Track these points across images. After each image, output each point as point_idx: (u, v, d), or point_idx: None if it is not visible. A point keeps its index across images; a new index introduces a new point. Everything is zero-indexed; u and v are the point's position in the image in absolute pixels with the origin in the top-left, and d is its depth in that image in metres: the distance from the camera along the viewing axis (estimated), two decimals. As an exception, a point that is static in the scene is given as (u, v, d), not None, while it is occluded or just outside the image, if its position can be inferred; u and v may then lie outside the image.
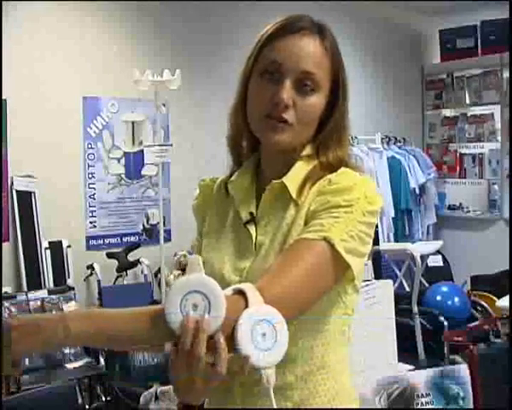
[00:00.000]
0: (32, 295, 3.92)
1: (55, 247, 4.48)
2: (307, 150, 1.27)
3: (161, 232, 4.28)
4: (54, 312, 3.93)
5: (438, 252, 5.44)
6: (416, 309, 4.08)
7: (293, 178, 1.25)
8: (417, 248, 4.58)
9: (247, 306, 1.02)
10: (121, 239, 4.96)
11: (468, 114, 6.64)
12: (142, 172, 5.03)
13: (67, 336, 1.01)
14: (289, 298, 1.09)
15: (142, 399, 3.06)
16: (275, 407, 1.07)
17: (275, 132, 1.21)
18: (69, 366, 3.55)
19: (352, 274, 1.18)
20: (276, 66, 1.22)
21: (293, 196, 1.23)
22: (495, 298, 4.49)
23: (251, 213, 1.28)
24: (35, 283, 4.27)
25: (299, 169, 1.26)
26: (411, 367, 2.66)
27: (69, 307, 4.01)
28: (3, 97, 4.13)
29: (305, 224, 1.19)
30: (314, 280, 1.13)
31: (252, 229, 1.26)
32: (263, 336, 1.01)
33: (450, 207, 6.76)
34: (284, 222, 1.23)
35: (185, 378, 0.99)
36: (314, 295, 1.14)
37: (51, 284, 4.34)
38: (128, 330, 1.04)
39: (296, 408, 1.20)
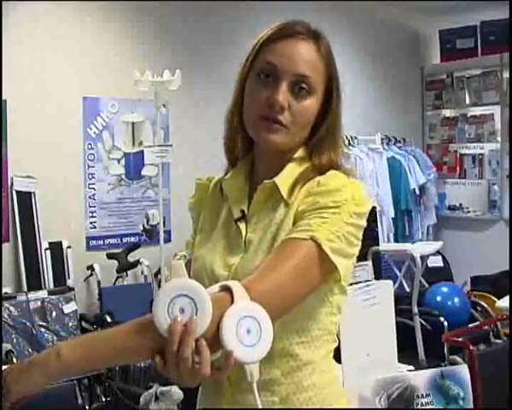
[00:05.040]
0: (32, 295, 3.92)
1: (55, 247, 4.48)
2: (300, 153, 1.30)
3: (161, 233, 4.28)
4: (54, 312, 3.94)
5: (438, 252, 5.44)
6: (416, 310, 4.09)
7: (285, 179, 1.27)
8: (417, 249, 4.58)
9: (232, 303, 1.05)
10: (121, 240, 4.96)
11: (468, 115, 6.65)
12: (142, 173, 5.03)
13: (60, 362, 1.04)
14: (275, 296, 1.11)
15: (141, 399, 3.05)
16: (258, 401, 1.10)
17: (269, 132, 1.24)
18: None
19: (338, 274, 1.20)
20: (272, 68, 1.24)
21: (284, 196, 1.26)
22: (495, 298, 4.49)
23: (242, 211, 1.31)
24: (35, 283, 4.27)
25: (291, 170, 1.29)
26: (411, 368, 2.65)
27: (69, 307, 4.01)
28: (4, 98, 4.13)
29: (294, 224, 1.22)
30: (300, 279, 1.15)
31: (242, 226, 1.29)
32: (247, 332, 1.03)
33: (450, 208, 6.76)
34: (274, 221, 1.26)
35: (174, 376, 1.03)
36: (300, 293, 1.17)
37: (51, 285, 4.34)
38: (119, 345, 1.07)
39: (283, 408, 1.23)
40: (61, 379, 1.11)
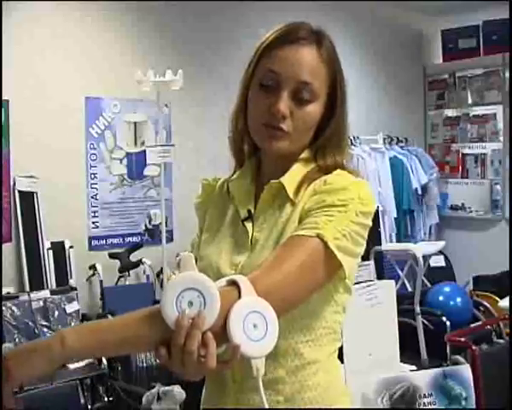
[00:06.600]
0: (34, 295, 3.93)
1: (58, 247, 4.49)
2: (305, 154, 1.32)
3: (163, 233, 4.28)
4: (56, 312, 3.95)
5: (440, 252, 5.44)
6: (418, 309, 4.08)
7: (291, 179, 1.29)
8: (419, 249, 4.58)
9: (239, 297, 1.05)
10: (123, 239, 4.97)
11: (471, 114, 6.64)
12: (145, 173, 5.04)
13: (64, 348, 1.03)
14: (280, 292, 1.12)
15: (144, 399, 3.06)
16: (264, 399, 1.11)
17: (272, 140, 1.26)
18: (71, 366, 3.54)
19: (343, 273, 1.20)
20: (274, 76, 1.26)
21: (291, 195, 1.28)
22: (497, 298, 4.49)
23: (249, 211, 1.32)
24: (37, 283, 4.27)
25: (297, 171, 1.30)
26: (413, 367, 2.66)
27: (71, 307, 4.02)
28: (6, 98, 4.14)
29: (300, 222, 1.23)
30: (305, 276, 1.15)
31: (249, 226, 1.31)
32: (254, 327, 1.04)
33: (453, 208, 6.76)
34: (280, 220, 1.27)
35: (178, 368, 1.03)
36: (305, 290, 1.17)
37: (53, 285, 4.34)
38: (124, 333, 1.06)
39: (287, 407, 1.23)
40: (64, 363, 1.08)
